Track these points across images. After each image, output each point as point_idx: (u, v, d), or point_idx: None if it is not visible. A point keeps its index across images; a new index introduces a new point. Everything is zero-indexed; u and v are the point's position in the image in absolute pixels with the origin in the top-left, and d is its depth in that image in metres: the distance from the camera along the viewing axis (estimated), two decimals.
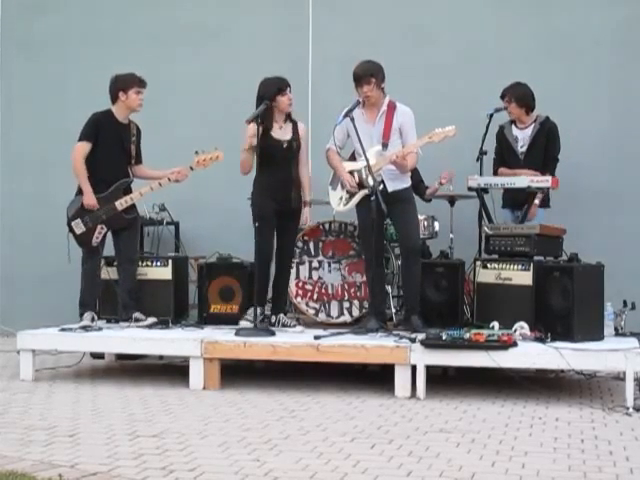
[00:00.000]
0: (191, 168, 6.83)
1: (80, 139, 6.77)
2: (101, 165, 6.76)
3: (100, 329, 6.62)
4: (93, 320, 6.72)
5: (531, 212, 6.86)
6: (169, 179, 6.88)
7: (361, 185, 6.39)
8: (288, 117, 6.57)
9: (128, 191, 6.88)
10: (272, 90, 6.41)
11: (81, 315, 6.74)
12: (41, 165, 9.08)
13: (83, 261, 6.88)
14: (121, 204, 6.79)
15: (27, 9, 9.17)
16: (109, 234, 6.87)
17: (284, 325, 6.51)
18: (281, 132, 6.50)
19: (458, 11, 8.21)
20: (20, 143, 9.15)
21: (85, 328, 6.57)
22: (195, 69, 8.58)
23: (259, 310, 6.46)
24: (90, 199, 6.71)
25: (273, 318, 6.62)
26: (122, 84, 6.75)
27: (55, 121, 9.03)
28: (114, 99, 6.81)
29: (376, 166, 6.30)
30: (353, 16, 8.45)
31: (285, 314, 6.67)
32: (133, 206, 6.92)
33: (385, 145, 6.37)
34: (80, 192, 6.78)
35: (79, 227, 6.75)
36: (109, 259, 7.06)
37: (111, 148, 6.77)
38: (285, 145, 6.47)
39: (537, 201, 6.81)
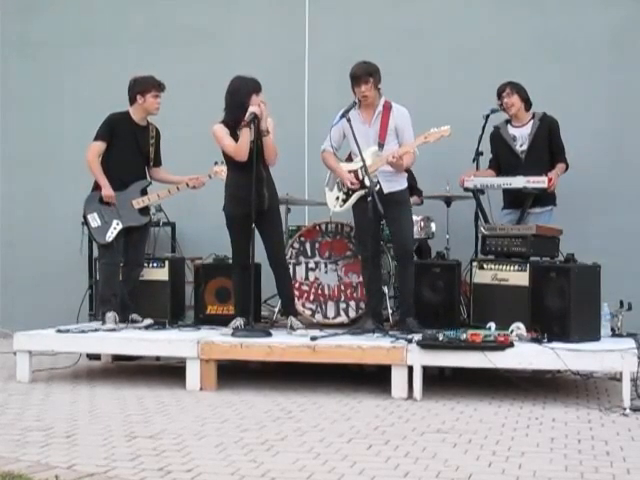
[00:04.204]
0: (209, 176, 6.86)
1: (95, 139, 6.81)
2: (116, 165, 6.79)
3: (97, 330, 6.62)
4: (115, 321, 6.72)
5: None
6: (187, 184, 6.90)
7: (361, 184, 6.39)
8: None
9: (145, 193, 6.92)
10: (250, 88, 6.34)
11: (103, 314, 6.75)
12: (40, 165, 9.06)
13: (100, 257, 6.94)
14: (138, 203, 6.84)
15: (24, 9, 9.15)
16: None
17: (292, 328, 6.44)
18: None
19: (455, 11, 8.21)
20: (18, 143, 9.13)
21: (111, 330, 6.59)
22: (192, 69, 8.58)
23: (243, 320, 6.43)
24: (108, 190, 6.73)
25: (287, 321, 6.59)
26: (140, 87, 6.77)
27: (53, 121, 9.04)
28: (132, 101, 6.83)
29: (372, 167, 6.30)
30: (350, 16, 8.44)
31: (295, 316, 6.57)
32: (147, 210, 6.96)
33: (381, 145, 6.37)
34: (96, 187, 6.81)
35: (95, 221, 6.78)
36: None
37: (126, 149, 6.80)
38: (251, 145, 6.31)
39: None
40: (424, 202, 7.40)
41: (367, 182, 6.26)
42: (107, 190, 6.75)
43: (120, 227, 6.77)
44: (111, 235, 6.75)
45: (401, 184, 6.50)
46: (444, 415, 5.23)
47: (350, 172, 6.44)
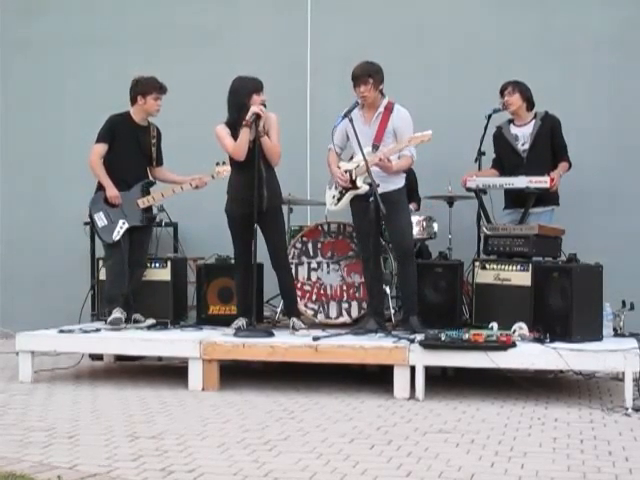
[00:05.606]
0: (212, 177, 6.86)
1: (97, 141, 6.82)
2: (119, 166, 6.80)
3: (99, 330, 6.62)
4: (122, 314, 6.72)
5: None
6: (190, 185, 6.91)
7: (354, 184, 6.40)
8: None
9: (149, 193, 6.93)
10: (250, 88, 6.34)
11: (109, 312, 6.75)
12: (40, 166, 9.07)
13: (106, 257, 6.94)
14: (143, 202, 6.86)
15: (25, 9, 9.16)
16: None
17: (294, 328, 6.43)
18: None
19: (457, 11, 8.20)
20: (19, 144, 9.14)
21: (115, 324, 6.61)
22: (193, 70, 8.58)
23: (245, 320, 6.44)
24: (112, 191, 6.75)
25: (289, 322, 6.58)
26: (142, 88, 6.78)
27: (54, 122, 9.04)
28: (133, 101, 6.84)
29: (363, 167, 6.29)
30: (352, 17, 8.44)
31: (298, 316, 6.56)
32: (151, 209, 6.99)
33: (375, 147, 6.34)
34: (100, 188, 6.83)
35: (101, 220, 6.79)
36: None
37: (128, 149, 6.81)
38: (250, 145, 6.33)
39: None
40: (423, 203, 7.39)
41: (358, 182, 6.33)
42: (111, 191, 6.76)
43: (126, 226, 6.78)
44: (118, 234, 6.76)
45: (396, 184, 6.43)
46: (446, 415, 5.23)
47: (346, 171, 6.45)
